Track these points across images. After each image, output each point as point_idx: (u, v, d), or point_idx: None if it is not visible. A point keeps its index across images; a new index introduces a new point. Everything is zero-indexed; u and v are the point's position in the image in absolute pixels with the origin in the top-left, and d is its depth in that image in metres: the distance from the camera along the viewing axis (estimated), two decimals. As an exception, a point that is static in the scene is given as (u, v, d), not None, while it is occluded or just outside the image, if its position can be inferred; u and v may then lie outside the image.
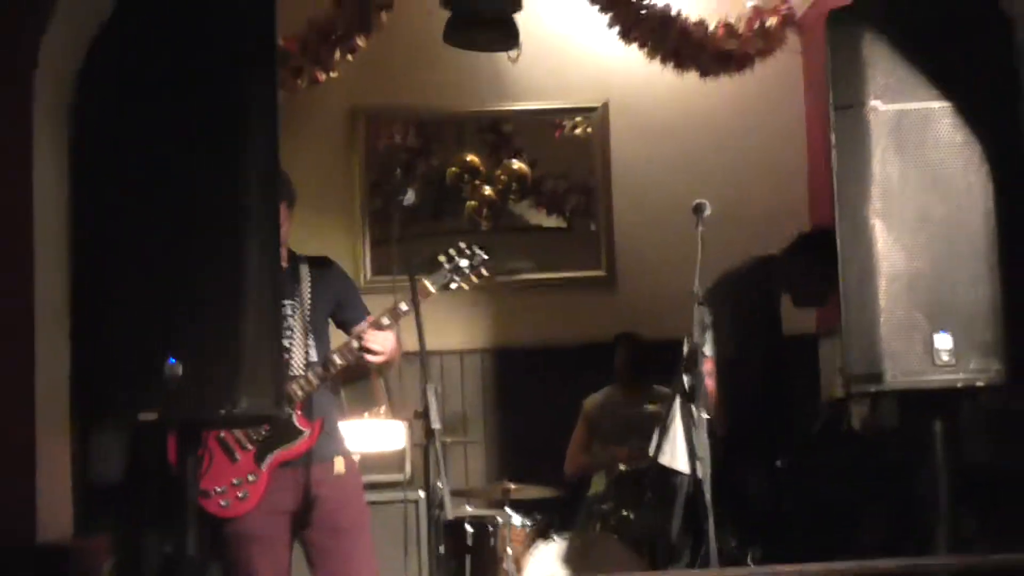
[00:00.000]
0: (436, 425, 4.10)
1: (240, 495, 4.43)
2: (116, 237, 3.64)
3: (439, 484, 4.10)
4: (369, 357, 4.54)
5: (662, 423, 5.22)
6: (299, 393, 4.48)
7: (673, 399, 5.21)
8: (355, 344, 4.54)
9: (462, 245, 4.70)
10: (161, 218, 3.62)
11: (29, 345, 4.01)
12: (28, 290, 4.04)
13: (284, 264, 4.62)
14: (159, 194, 3.63)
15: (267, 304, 3.70)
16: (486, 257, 4.71)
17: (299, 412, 4.52)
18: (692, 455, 4.55)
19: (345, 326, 4.77)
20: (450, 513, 4.05)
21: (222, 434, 4.45)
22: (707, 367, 5.02)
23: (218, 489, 4.40)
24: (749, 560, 5.15)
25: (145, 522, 4.72)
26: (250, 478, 4.44)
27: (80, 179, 3.69)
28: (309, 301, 4.65)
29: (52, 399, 4.05)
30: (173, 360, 3.54)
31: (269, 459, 4.48)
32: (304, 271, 4.69)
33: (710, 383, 5.04)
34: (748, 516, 5.39)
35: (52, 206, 4.21)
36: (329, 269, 4.80)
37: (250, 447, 4.47)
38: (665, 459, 5.25)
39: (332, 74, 6.21)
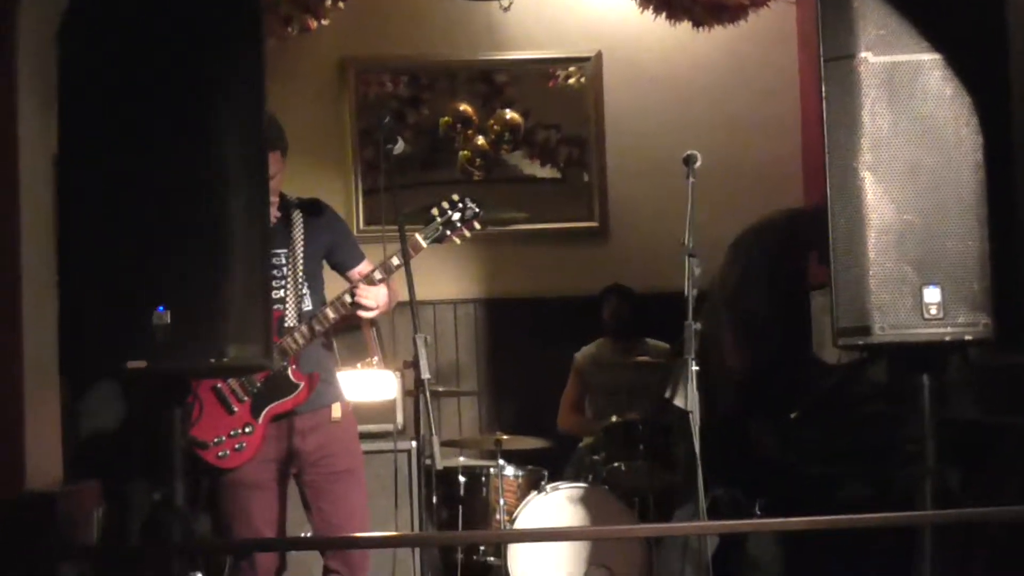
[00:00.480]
0: (426, 375, 4.11)
1: (237, 446, 4.47)
2: (102, 190, 3.63)
3: (429, 434, 4.11)
4: (361, 312, 4.57)
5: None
6: (293, 347, 4.52)
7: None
8: (347, 299, 4.56)
9: (455, 198, 4.71)
10: (147, 170, 3.62)
11: (16, 296, 4.02)
12: (15, 242, 4.04)
13: (276, 212, 4.63)
14: (145, 146, 3.63)
15: (255, 254, 3.71)
16: (479, 210, 4.71)
17: (293, 366, 4.55)
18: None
19: (340, 269, 4.80)
20: (439, 463, 4.06)
21: (219, 385, 4.49)
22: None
23: (216, 440, 4.45)
24: (757, 510, 5.17)
25: (134, 470, 4.74)
26: (247, 430, 4.48)
27: (65, 133, 3.67)
28: (302, 248, 4.67)
29: (40, 349, 4.05)
30: (162, 309, 3.55)
31: (265, 412, 4.52)
32: (297, 217, 4.71)
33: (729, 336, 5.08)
34: (756, 467, 5.41)
35: (38, 160, 4.21)
36: (322, 213, 4.81)
37: (246, 399, 4.51)
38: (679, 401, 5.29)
39: (323, 22, 6.17)
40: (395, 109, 7.25)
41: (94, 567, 4.01)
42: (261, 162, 3.80)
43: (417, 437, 4.11)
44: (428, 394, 4.06)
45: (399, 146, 4.34)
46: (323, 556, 4.59)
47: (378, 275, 4.53)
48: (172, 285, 3.59)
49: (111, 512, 4.28)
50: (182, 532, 3.66)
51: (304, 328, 4.53)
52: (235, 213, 3.66)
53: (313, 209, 4.77)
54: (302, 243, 4.69)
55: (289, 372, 4.54)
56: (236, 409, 4.50)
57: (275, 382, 4.53)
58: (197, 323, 3.58)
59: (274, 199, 4.60)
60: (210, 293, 3.60)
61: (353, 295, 4.53)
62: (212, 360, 3.59)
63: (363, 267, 4.77)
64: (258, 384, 4.52)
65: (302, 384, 4.56)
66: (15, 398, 3.97)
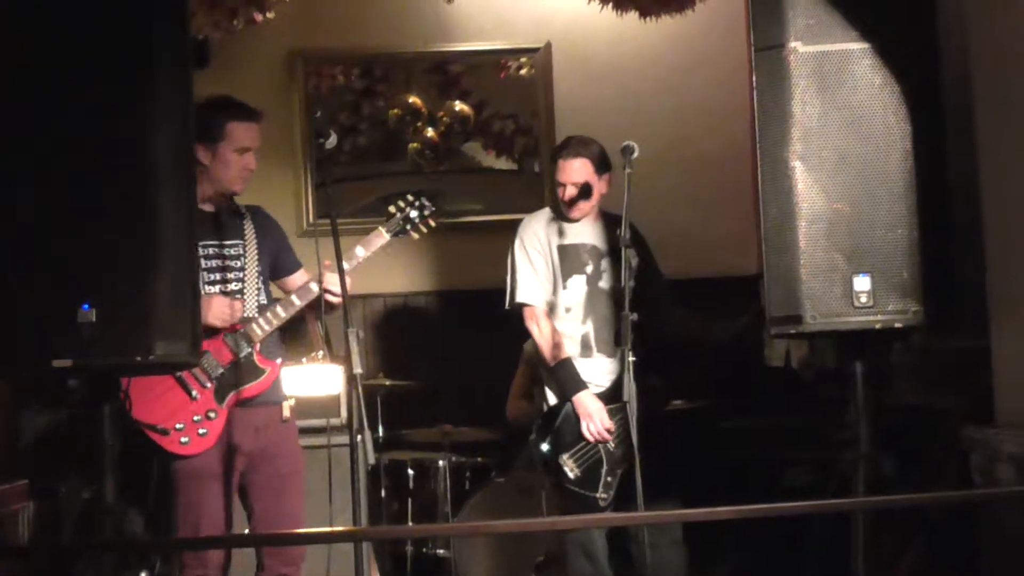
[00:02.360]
0: (358, 370, 4.10)
1: (201, 432, 4.49)
2: (26, 184, 3.63)
3: (362, 429, 4.10)
4: (329, 298, 4.59)
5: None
6: (259, 333, 4.57)
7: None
8: (314, 287, 4.60)
9: (410, 197, 4.80)
10: (72, 165, 3.62)
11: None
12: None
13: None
14: (70, 141, 3.63)
15: (183, 251, 3.72)
16: (434, 208, 4.82)
17: (258, 351, 4.60)
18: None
19: (280, 274, 4.84)
20: (372, 458, 4.05)
21: (179, 373, 4.48)
22: None
23: (179, 426, 4.45)
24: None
25: (64, 468, 4.73)
26: (210, 415, 4.51)
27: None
28: (255, 243, 4.69)
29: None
30: (87, 307, 3.54)
31: (230, 396, 4.55)
32: (246, 213, 4.75)
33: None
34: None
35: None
36: (266, 217, 4.89)
37: (209, 384, 4.51)
38: None
39: (269, 15, 6.11)
40: (350, 101, 7.23)
41: (23, 566, 4.00)
42: (188, 157, 3.81)
43: (349, 432, 4.10)
44: (360, 389, 4.05)
45: (331, 140, 4.34)
46: (258, 552, 4.60)
47: (348, 264, 4.54)
48: (98, 282, 3.59)
49: (40, 510, 4.26)
50: (113, 529, 3.66)
51: (269, 314, 4.59)
52: (162, 209, 3.67)
53: (257, 212, 4.82)
54: (254, 238, 4.71)
55: (255, 357, 4.58)
56: (197, 394, 4.51)
57: (241, 367, 4.57)
58: (124, 320, 3.58)
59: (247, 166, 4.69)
60: (137, 290, 3.61)
61: (320, 282, 4.54)
62: (139, 357, 3.60)
63: (299, 276, 4.84)
64: (222, 369, 4.54)
65: (268, 369, 4.62)
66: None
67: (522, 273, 5.37)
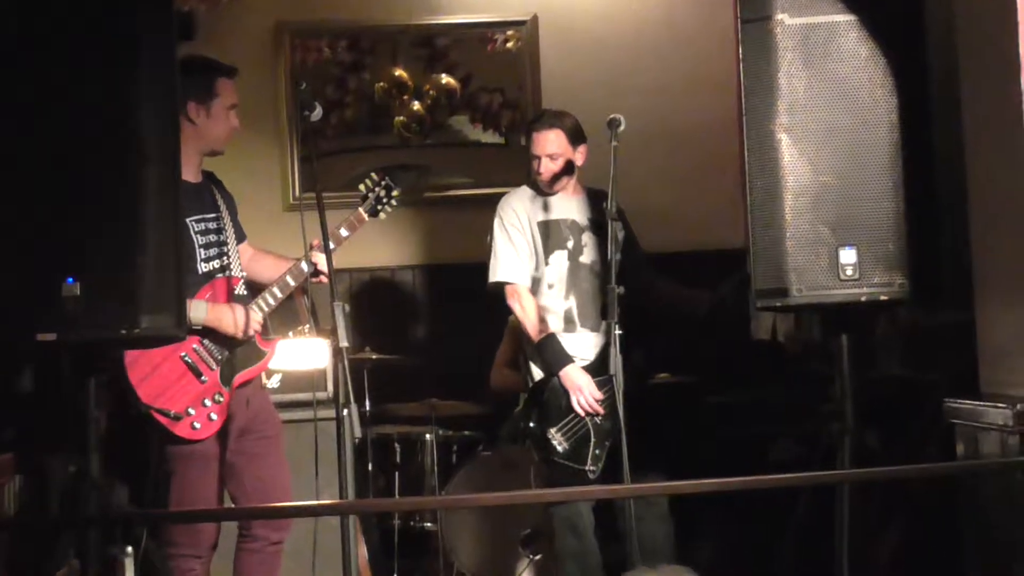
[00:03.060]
0: (344, 343, 4.10)
1: (211, 416, 4.52)
2: (10, 158, 3.60)
3: (348, 403, 4.10)
4: (322, 278, 4.65)
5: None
6: (258, 316, 4.59)
7: None
8: (304, 266, 4.63)
9: (375, 176, 4.83)
10: (55, 138, 3.61)
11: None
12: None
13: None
14: (53, 113, 3.61)
15: (168, 224, 3.70)
16: (396, 191, 4.87)
17: (258, 333, 4.64)
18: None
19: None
20: (358, 431, 4.05)
21: (187, 356, 4.50)
22: None
23: (190, 411, 4.46)
24: None
25: (52, 442, 4.73)
26: (218, 398, 4.53)
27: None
28: (227, 214, 4.70)
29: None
30: (71, 280, 3.53)
31: (234, 379, 4.58)
32: (213, 184, 4.75)
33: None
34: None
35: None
36: (222, 184, 4.90)
37: (215, 367, 4.52)
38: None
39: (255, -13, 6.13)
40: (336, 75, 7.21)
41: (9, 539, 3.99)
42: (173, 130, 3.78)
43: (335, 406, 4.11)
44: (347, 362, 4.05)
45: (316, 112, 4.32)
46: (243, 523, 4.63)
47: (332, 243, 4.54)
48: (83, 255, 3.58)
49: (27, 483, 4.26)
50: (98, 504, 3.65)
51: (268, 295, 4.65)
52: (147, 182, 3.65)
53: (215, 178, 4.85)
54: (225, 208, 4.72)
55: (255, 339, 4.62)
56: (206, 378, 4.52)
57: (244, 349, 4.61)
58: (109, 293, 3.57)
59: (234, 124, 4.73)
60: (122, 263, 3.59)
61: (311, 261, 4.62)
62: (124, 331, 3.58)
63: (245, 246, 4.87)
64: (224, 352, 4.56)
65: (268, 351, 4.68)
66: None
67: (502, 251, 5.37)
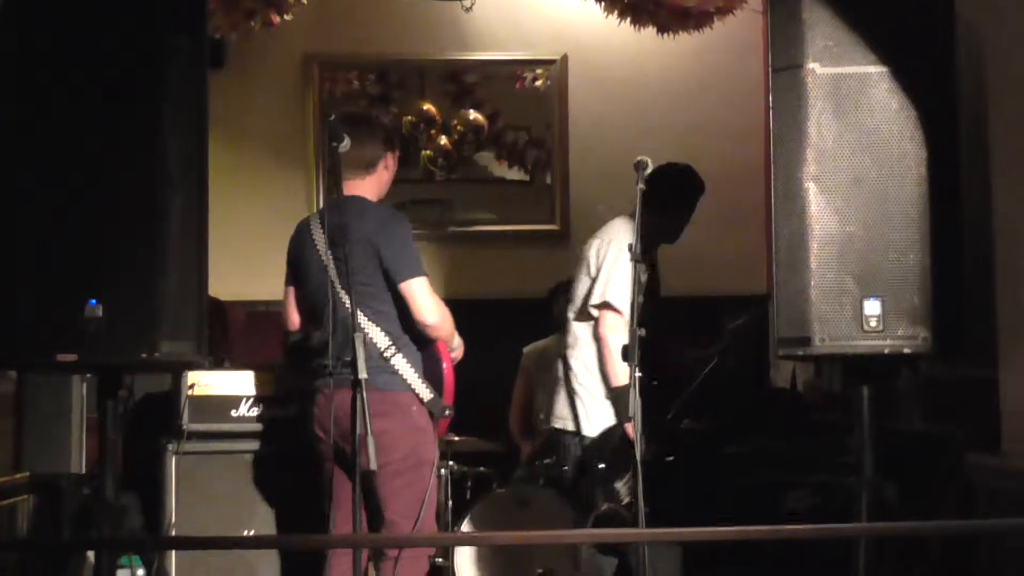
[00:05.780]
0: (363, 375, 4.08)
1: None
2: (39, 180, 3.63)
3: (365, 434, 4.09)
4: None
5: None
6: None
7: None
8: None
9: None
10: (83, 162, 3.64)
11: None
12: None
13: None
14: (83, 138, 3.64)
15: (192, 250, 3.72)
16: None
17: None
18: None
19: None
20: (374, 463, 4.04)
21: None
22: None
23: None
24: None
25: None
26: None
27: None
28: None
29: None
30: (94, 302, 3.54)
31: None
32: None
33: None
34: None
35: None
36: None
37: None
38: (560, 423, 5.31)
39: (286, 17, 6.13)
40: (364, 107, 7.24)
41: (21, 560, 3.99)
42: (202, 156, 3.79)
43: (352, 437, 4.09)
44: (365, 394, 4.04)
45: (344, 144, 4.32)
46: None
47: None
48: (107, 278, 3.61)
49: (41, 503, 4.26)
50: (112, 526, 3.65)
51: None
52: (174, 208, 3.68)
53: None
54: None
55: None
56: None
57: None
58: (131, 317, 3.59)
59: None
60: (145, 288, 3.62)
61: None
62: (144, 355, 3.60)
63: None
64: None
65: None
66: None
67: (618, 275, 5.20)
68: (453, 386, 4.76)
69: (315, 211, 6.93)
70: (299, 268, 4.75)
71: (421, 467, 4.58)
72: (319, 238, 4.63)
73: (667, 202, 5.27)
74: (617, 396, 5.19)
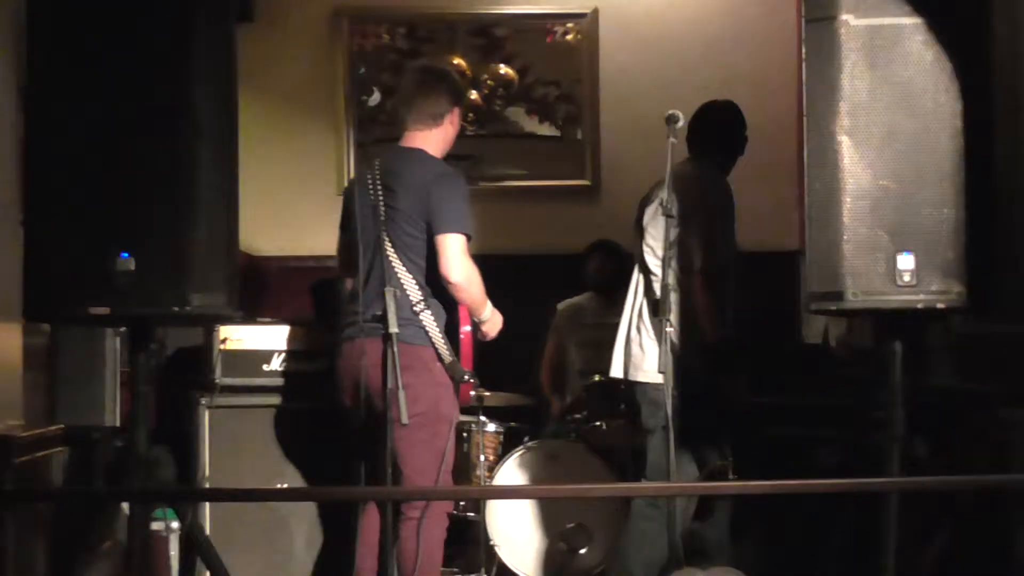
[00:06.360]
0: (394, 329, 4.09)
1: None
2: (69, 135, 3.65)
3: (396, 388, 4.10)
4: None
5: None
6: None
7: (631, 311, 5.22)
8: None
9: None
10: (115, 115, 3.63)
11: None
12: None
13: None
14: (112, 91, 3.63)
15: (222, 203, 3.72)
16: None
17: None
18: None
19: None
20: (405, 417, 4.05)
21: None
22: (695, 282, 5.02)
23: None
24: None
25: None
26: None
27: (32, 77, 3.68)
28: None
29: (0, 292, 4.05)
30: (126, 255, 3.56)
31: None
32: None
33: (700, 296, 5.02)
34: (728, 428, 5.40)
35: (3, 95, 4.20)
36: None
37: None
38: (619, 372, 5.27)
39: (315, -28, 6.14)
40: (393, 61, 7.22)
41: (55, 511, 4.02)
42: (231, 109, 3.79)
43: (382, 391, 4.10)
44: (396, 348, 4.05)
45: (374, 97, 4.33)
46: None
47: None
48: (138, 231, 3.62)
49: (74, 456, 4.29)
50: (144, 479, 3.68)
51: None
52: (203, 161, 3.68)
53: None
54: None
55: None
56: None
57: None
58: (162, 270, 3.60)
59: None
60: (175, 240, 3.62)
61: None
62: (175, 307, 3.61)
63: None
64: None
65: None
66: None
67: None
68: (471, 352, 4.74)
69: (344, 168, 7.00)
70: (348, 214, 4.70)
71: (440, 423, 4.57)
72: (372, 185, 4.60)
73: (722, 140, 5.22)
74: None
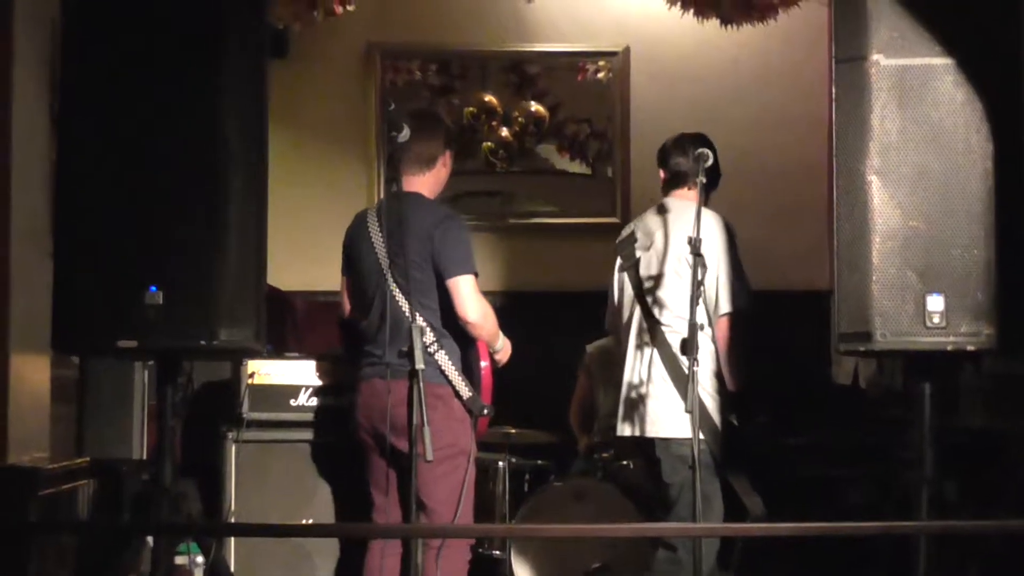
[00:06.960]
0: (420, 365, 4.09)
1: None
2: (100, 167, 3.69)
3: (422, 424, 4.09)
4: None
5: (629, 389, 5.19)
6: None
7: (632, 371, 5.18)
8: None
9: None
10: (146, 149, 3.66)
11: (5, 265, 4.05)
12: (4, 215, 4.07)
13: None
14: (145, 125, 3.67)
15: (251, 237, 3.74)
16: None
17: None
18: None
19: None
20: (430, 454, 4.04)
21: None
22: (721, 325, 4.98)
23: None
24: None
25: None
26: None
27: (64, 107, 3.71)
28: None
29: (29, 324, 4.07)
30: (154, 288, 3.58)
31: None
32: None
33: (722, 339, 4.97)
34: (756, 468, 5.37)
35: (32, 133, 4.23)
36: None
37: None
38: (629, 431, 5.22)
39: (349, 7, 6.15)
40: (425, 97, 7.25)
41: (80, 543, 4.03)
42: (262, 145, 3.82)
43: (408, 428, 4.10)
44: (423, 385, 4.04)
45: (404, 134, 4.33)
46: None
47: None
48: (167, 266, 3.65)
49: (101, 488, 4.30)
50: (170, 511, 3.68)
51: None
52: (233, 195, 3.71)
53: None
54: None
55: None
56: None
57: None
58: (190, 304, 3.62)
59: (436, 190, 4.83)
60: (204, 274, 3.65)
61: None
62: (203, 341, 3.63)
63: None
64: None
65: None
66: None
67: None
68: (491, 385, 4.80)
69: (374, 203, 7.02)
70: (353, 258, 4.82)
71: (460, 457, 4.65)
72: (375, 229, 4.67)
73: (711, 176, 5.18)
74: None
